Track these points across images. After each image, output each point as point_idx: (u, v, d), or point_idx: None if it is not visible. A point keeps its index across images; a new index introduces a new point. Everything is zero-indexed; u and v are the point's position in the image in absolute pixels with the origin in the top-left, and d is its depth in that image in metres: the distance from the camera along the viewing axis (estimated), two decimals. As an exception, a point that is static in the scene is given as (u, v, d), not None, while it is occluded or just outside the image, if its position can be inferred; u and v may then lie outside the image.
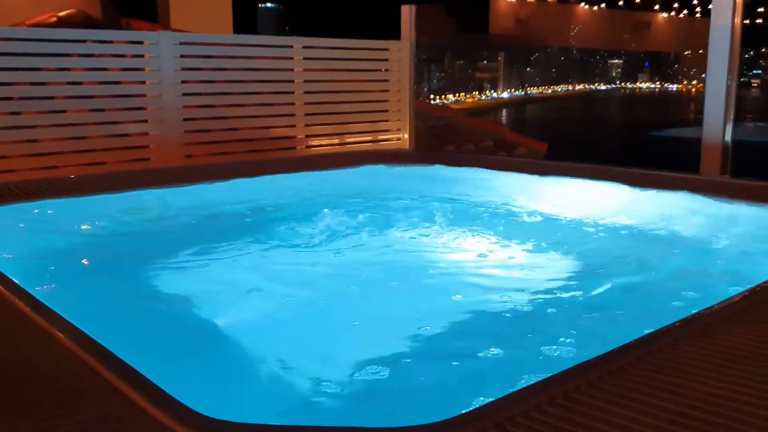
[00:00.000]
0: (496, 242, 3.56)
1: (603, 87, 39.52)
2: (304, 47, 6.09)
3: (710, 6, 4.50)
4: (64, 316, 1.74)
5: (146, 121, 5.32)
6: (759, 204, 3.13)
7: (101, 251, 3.36)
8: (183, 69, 5.41)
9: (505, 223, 3.82)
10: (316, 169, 4.45)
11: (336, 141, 6.30)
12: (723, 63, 4.45)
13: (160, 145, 5.37)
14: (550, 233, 3.66)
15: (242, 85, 5.81)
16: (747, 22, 4.58)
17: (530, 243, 3.49)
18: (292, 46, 6.03)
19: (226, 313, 2.61)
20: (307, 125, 6.12)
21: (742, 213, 3.11)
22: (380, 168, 4.56)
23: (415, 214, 3.94)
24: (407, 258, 3.36)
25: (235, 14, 15.63)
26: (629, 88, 36.66)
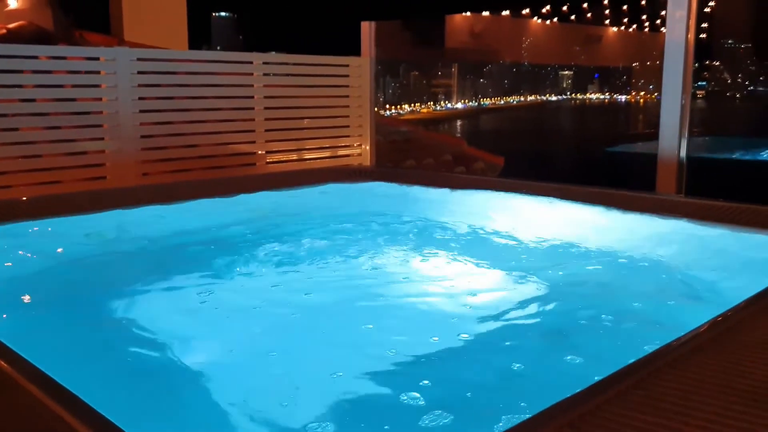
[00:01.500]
0: (451, 263, 3.56)
1: (554, 98, 40.36)
2: (264, 63, 6.06)
3: (659, 22, 4.64)
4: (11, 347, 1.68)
5: (102, 138, 5.21)
6: (715, 225, 3.21)
7: (51, 279, 3.23)
8: (140, 85, 5.32)
9: (463, 243, 3.83)
10: (274, 188, 4.40)
11: (296, 157, 6.27)
12: (678, 80, 4.59)
13: (117, 163, 5.26)
14: (508, 254, 3.68)
15: (201, 101, 5.74)
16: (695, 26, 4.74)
17: (487, 265, 3.50)
18: (251, 62, 5.99)
19: (180, 345, 2.54)
20: (267, 141, 6.08)
21: (700, 234, 3.19)
22: (339, 186, 4.53)
23: (375, 235, 3.92)
24: (366, 283, 3.32)
25: (189, 23, 15.47)
26: (580, 99, 37.53)
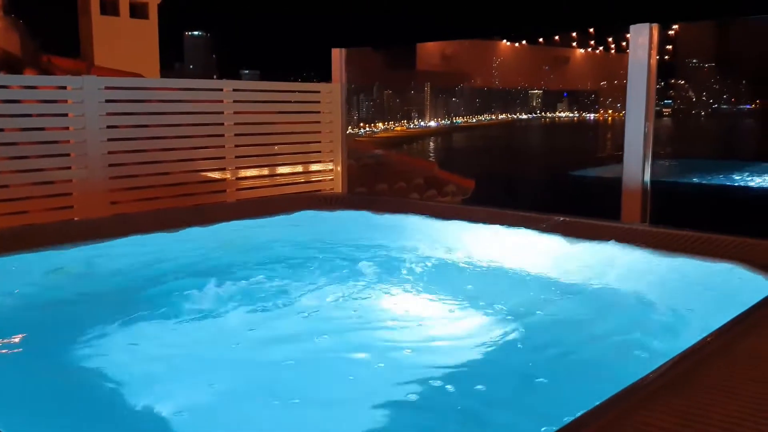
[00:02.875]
0: (423, 295, 3.57)
1: (524, 116, 40.91)
2: (235, 90, 6.07)
3: (624, 44, 4.75)
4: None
5: (69, 167, 5.16)
6: (678, 254, 3.28)
7: (7, 321, 3.14)
8: (109, 114, 5.29)
9: (428, 275, 3.83)
10: (243, 218, 4.37)
11: (267, 183, 6.26)
12: (641, 106, 4.69)
13: (84, 192, 5.20)
14: (471, 285, 3.69)
15: (171, 128, 5.71)
16: (657, 58, 4.85)
17: (453, 295, 3.51)
18: (221, 89, 6.00)
19: (146, 391, 2.49)
20: (237, 168, 6.06)
21: (663, 264, 3.25)
22: (310, 215, 4.51)
23: (345, 267, 3.91)
24: (336, 318, 3.31)
25: (161, 42, 15.44)
26: (549, 117, 38.08)
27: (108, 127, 5.27)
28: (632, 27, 4.63)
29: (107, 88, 5.32)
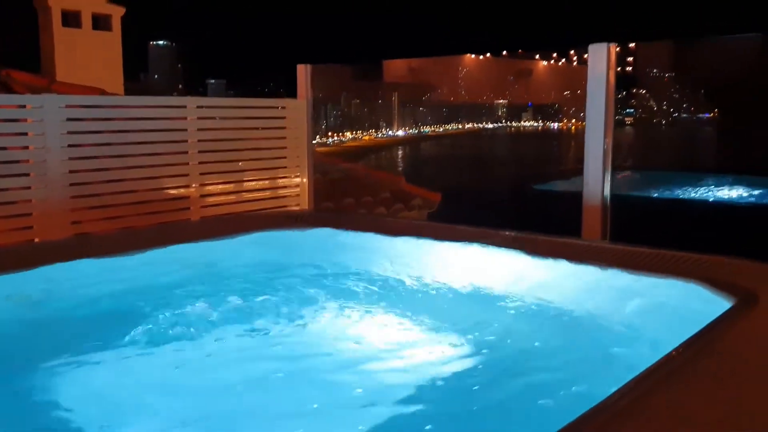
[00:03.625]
0: (382, 317, 3.56)
1: (490, 125, 41.45)
2: (199, 107, 6.03)
3: (586, 56, 4.84)
4: None
5: (29, 187, 5.06)
6: (636, 272, 3.34)
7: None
8: (70, 132, 5.21)
9: (390, 294, 3.82)
10: (205, 238, 4.32)
11: (233, 199, 6.22)
12: (600, 123, 4.78)
13: (45, 212, 5.11)
14: (434, 306, 3.69)
15: (134, 146, 5.65)
16: (618, 69, 4.95)
17: (409, 316, 3.50)
18: (185, 106, 5.95)
19: (98, 420, 2.45)
20: (202, 185, 6.02)
21: (622, 282, 3.30)
22: (272, 234, 4.48)
23: (307, 287, 3.89)
24: (298, 344, 3.29)
25: (126, 52, 15.25)
26: (514, 127, 38.61)
27: (69, 146, 5.20)
28: (591, 46, 4.72)
29: (68, 106, 5.25)
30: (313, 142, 6.83)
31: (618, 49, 4.84)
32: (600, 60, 4.69)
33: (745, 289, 2.99)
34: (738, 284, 3.05)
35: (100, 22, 14.79)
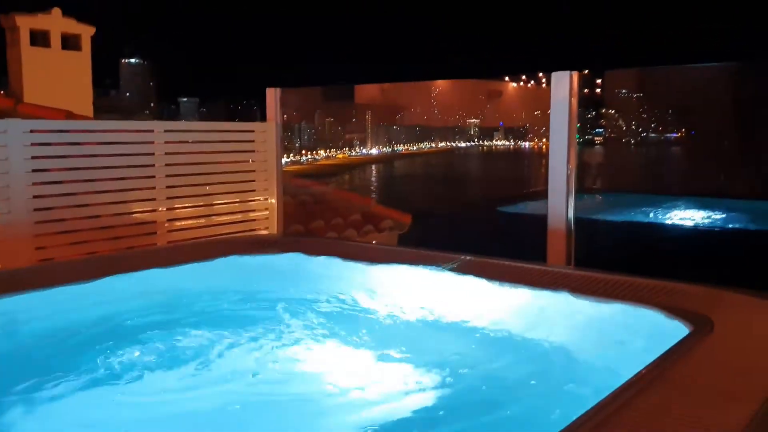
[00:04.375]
0: (351, 346, 3.56)
1: (463, 144, 42.02)
2: (167, 131, 6.00)
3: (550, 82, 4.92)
4: None
5: (-9, 213, 4.98)
6: (597, 299, 3.39)
7: None
8: (34, 157, 5.15)
9: (362, 322, 3.82)
10: (170, 264, 4.29)
11: (200, 224, 6.18)
12: (563, 149, 4.86)
13: (8, 237, 5.03)
14: (399, 333, 3.70)
15: (100, 170, 5.60)
16: (587, 90, 5.05)
17: (378, 345, 3.49)
18: (152, 130, 5.92)
19: None
20: (169, 209, 5.98)
21: (585, 309, 3.35)
22: (236, 260, 4.46)
23: (272, 316, 3.86)
24: (263, 375, 3.26)
25: (96, 70, 15.11)
26: (487, 146, 39.14)
27: (34, 170, 5.13)
28: (554, 74, 4.81)
29: (33, 131, 5.19)
30: (287, 160, 6.84)
31: (586, 72, 4.94)
32: (563, 87, 4.78)
33: (701, 316, 3.05)
34: (694, 311, 3.11)
35: (70, 42, 14.65)
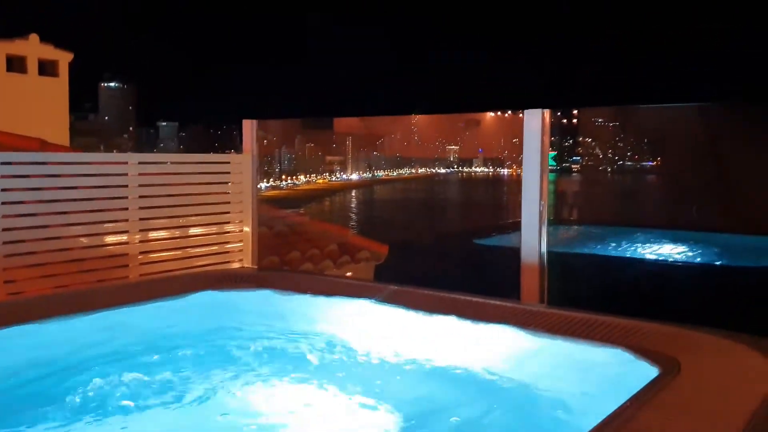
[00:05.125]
0: (321, 387, 3.53)
1: (443, 170, 42.33)
2: (140, 163, 5.97)
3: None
4: None
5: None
6: (566, 338, 3.40)
7: None
8: (4, 190, 5.09)
9: (339, 363, 3.81)
10: (140, 300, 4.23)
11: (174, 256, 6.13)
12: (536, 185, 4.90)
13: (-25, 271, 4.94)
14: (369, 373, 3.67)
15: (72, 203, 5.54)
16: (565, 120, 5.11)
17: (348, 386, 3.47)
18: (126, 162, 5.89)
19: None
20: (142, 242, 5.92)
21: (557, 348, 3.36)
22: (209, 295, 4.42)
23: (242, 355, 3.83)
24: (228, 417, 3.21)
25: (75, 93, 15.04)
26: (466, 172, 39.45)
27: (3, 203, 5.07)
28: (526, 111, 4.87)
29: (3, 163, 5.14)
30: (267, 185, 6.83)
31: (551, 115, 5.01)
32: (535, 124, 4.84)
33: (669, 357, 3.07)
34: (662, 352, 3.13)
35: (47, 68, 14.60)
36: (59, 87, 14.76)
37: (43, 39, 14.45)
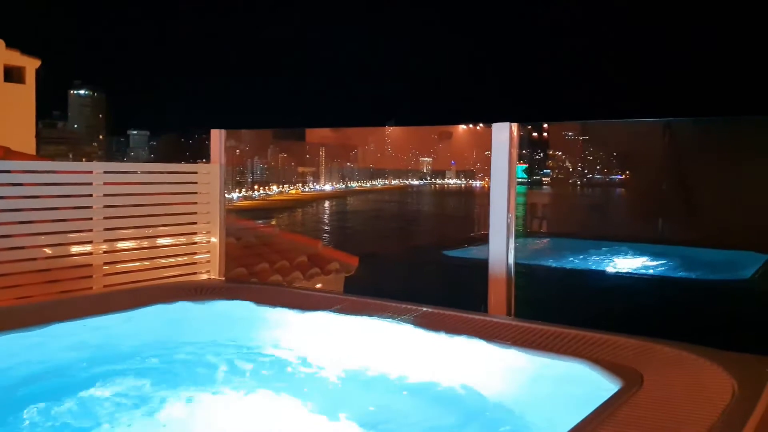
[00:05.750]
0: (281, 400, 3.48)
1: (416, 182, 42.44)
2: (105, 172, 5.88)
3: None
4: None
5: None
6: (531, 351, 3.41)
7: None
8: (-38, 198, 4.97)
9: (295, 375, 3.76)
10: (104, 312, 4.15)
11: (139, 267, 6.02)
12: (504, 198, 4.93)
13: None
14: (331, 385, 3.64)
15: (35, 213, 5.43)
16: (536, 134, 5.15)
17: (308, 399, 3.43)
18: (91, 172, 5.79)
19: None
20: (107, 252, 5.81)
21: (522, 362, 3.36)
22: (172, 307, 4.34)
23: (202, 367, 3.76)
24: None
25: (44, 101, 14.83)
26: (439, 184, 39.64)
27: (-39, 212, 4.95)
28: (494, 125, 4.91)
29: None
30: (239, 195, 6.76)
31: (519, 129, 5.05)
32: (503, 138, 4.87)
33: (631, 370, 3.10)
34: (625, 365, 3.16)
35: (13, 74, 14.36)
36: (26, 94, 14.52)
37: (10, 45, 14.22)
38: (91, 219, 5.75)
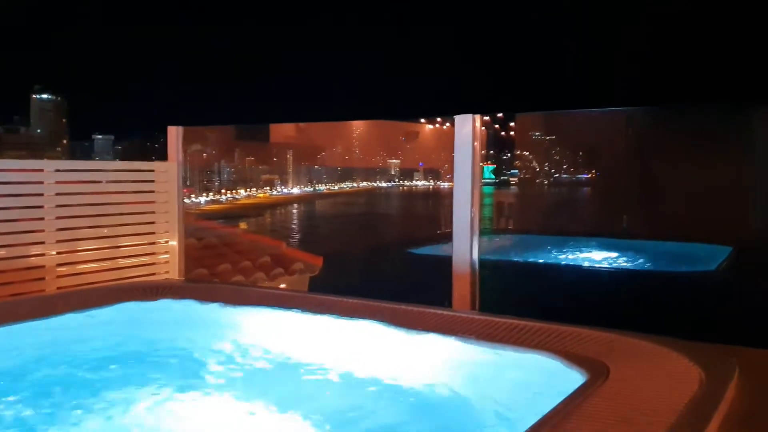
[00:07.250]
0: (238, 401, 3.36)
1: (384, 184, 42.42)
2: (57, 171, 5.66)
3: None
4: None
5: None
6: (497, 345, 3.33)
7: None
8: None
9: (252, 375, 3.63)
10: (55, 313, 3.96)
11: (94, 269, 5.82)
12: (467, 192, 4.84)
13: None
14: (290, 386, 3.53)
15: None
16: (503, 133, 5.08)
17: (268, 400, 3.32)
18: (42, 170, 5.57)
19: None
20: (59, 253, 5.60)
21: (486, 356, 3.27)
22: (133, 307, 4.18)
23: (162, 368, 3.62)
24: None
25: (4, 106, 14.39)
26: (407, 186, 39.64)
27: None
28: (456, 117, 4.83)
29: None
30: (207, 199, 6.58)
31: (500, 115, 4.97)
32: (466, 130, 4.79)
33: (598, 362, 3.03)
34: (591, 357, 3.09)
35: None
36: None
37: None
38: (42, 219, 5.54)
